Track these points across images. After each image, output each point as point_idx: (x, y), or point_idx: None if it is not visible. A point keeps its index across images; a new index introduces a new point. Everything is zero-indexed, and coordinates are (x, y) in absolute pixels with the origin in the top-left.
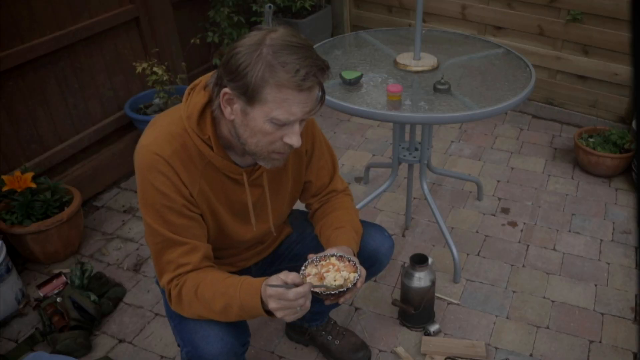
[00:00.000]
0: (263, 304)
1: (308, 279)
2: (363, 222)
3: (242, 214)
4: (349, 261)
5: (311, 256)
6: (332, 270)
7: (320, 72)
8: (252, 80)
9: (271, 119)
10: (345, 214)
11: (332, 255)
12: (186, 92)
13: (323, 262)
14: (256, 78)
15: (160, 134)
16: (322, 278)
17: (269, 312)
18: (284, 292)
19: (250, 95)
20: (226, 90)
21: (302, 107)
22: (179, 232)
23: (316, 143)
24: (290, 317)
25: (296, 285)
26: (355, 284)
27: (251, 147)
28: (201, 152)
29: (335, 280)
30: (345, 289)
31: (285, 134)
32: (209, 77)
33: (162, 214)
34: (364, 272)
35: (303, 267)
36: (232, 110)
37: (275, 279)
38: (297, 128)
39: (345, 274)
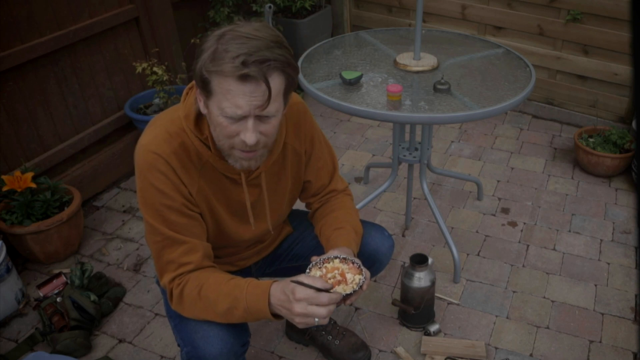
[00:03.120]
0: (269, 306)
1: None
2: (363, 222)
3: (241, 213)
4: (353, 263)
5: (314, 258)
6: (339, 275)
7: (264, 64)
8: (201, 71)
9: (222, 112)
10: (345, 214)
11: (336, 258)
12: (184, 92)
13: (327, 265)
14: (203, 69)
15: (159, 133)
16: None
17: (275, 315)
18: (317, 296)
19: (203, 87)
20: (194, 83)
21: (248, 99)
22: (178, 231)
23: (315, 143)
24: (304, 325)
25: (324, 290)
26: (361, 287)
27: (216, 141)
28: (199, 152)
29: (344, 291)
30: (352, 291)
31: (240, 130)
32: None
33: (161, 213)
34: (368, 273)
35: (307, 270)
36: (203, 104)
37: (302, 280)
38: (250, 124)
39: (350, 276)
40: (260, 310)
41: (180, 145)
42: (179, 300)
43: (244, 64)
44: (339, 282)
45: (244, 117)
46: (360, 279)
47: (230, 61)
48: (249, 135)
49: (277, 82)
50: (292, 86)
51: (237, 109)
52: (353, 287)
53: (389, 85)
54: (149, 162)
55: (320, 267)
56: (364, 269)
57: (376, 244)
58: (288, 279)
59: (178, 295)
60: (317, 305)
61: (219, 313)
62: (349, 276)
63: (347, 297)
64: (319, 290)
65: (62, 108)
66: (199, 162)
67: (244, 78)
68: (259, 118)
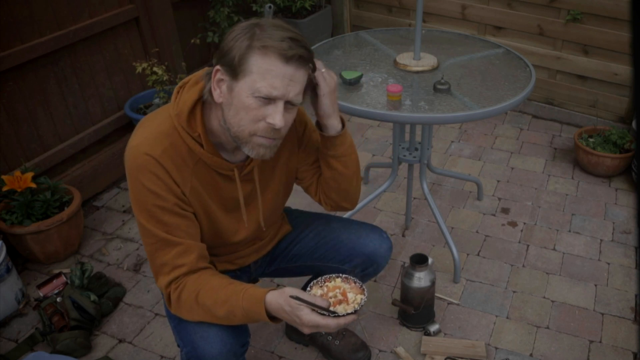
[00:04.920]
0: (267, 312)
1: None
2: (361, 224)
3: (235, 209)
4: (355, 282)
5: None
6: (340, 295)
7: (305, 52)
8: (239, 50)
9: (254, 92)
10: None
11: (338, 277)
12: (175, 90)
13: (328, 284)
14: (242, 47)
15: (150, 133)
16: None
17: (273, 318)
18: (327, 324)
19: (236, 66)
20: (217, 67)
21: (286, 82)
22: (172, 232)
23: (308, 125)
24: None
25: (326, 309)
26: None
27: (234, 128)
28: (191, 150)
29: (345, 310)
30: (353, 310)
31: (268, 113)
32: (198, 75)
33: (154, 214)
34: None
35: (308, 288)
36: (220, 91)
37: (302, 296)
38: (280, 107)
39: (351, 295)
40: (258, 316)
41: (172, 145)
42: (177, 304)
43: (292, 46)
44: (340, 302)
45: (274, 100)
46: (362, 299)
47: (279, 40)
48: (278, 117)
49: (306, 73)
50: (307, 91)
51: (272, 89)
52: (354, 306)
53: (389, 85)
54: (140, 164)
55: (321, 286)
56: (365, 289)
57: (374, 246)
58: (284, 290)
59: (176, 300)
60: (325, 329)
61: (219, 317)
62: (350, 295)
63: (348, 315)
64: (319, 307)
65: (62, 108)
66: (191, 160)
67: (288, 60)
68: (285, 106)
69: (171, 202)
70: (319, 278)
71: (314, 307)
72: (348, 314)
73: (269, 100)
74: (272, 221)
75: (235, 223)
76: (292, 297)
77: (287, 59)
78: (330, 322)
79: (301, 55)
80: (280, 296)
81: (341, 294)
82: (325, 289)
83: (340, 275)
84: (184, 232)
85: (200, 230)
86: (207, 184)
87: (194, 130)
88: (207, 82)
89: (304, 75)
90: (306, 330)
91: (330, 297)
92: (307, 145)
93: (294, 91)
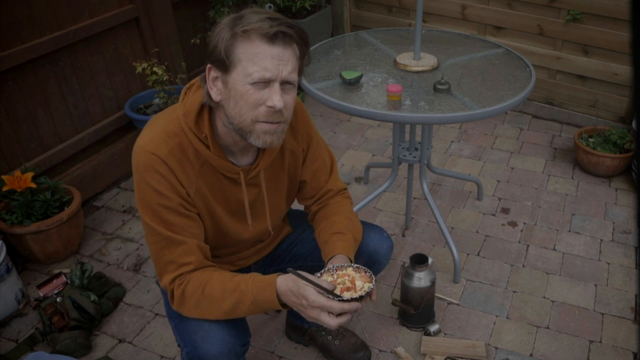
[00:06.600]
0: (278, 297)
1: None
2: (362, 223)
3: (240, 212)
4: (365, 272)
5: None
6: (348, 282)
7: (289, 28)
8: (224, 43)
9: (248, 79)
10: (344, 218)
11: (349, 266)
12: (183, 91)
13: (339, 272)
14: (226, 38)
15: (157, 133)
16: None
17: (283, 304)
18: (332, 306)
19: (224, 59)
20: (209, 66)
21: (276, 62)
22: (177, 231)
23: (312, 143)
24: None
25: (331, 292)
26: (369, 294)
27: (236, 120)
28: (198, 152)
29: (351, 296)
30: (358, 296)
31: (266, 97)
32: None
33: (159, 213)
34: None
35: (318, 274)
36: (217, 89)
37: (305, 275)
38: (276, 88)
39: (359, 283)
40: (268, 301)
41: (178, 145)
42: (180, 300)
43: (273, 24)
44: (348, 289)
45: (269, 83)
46: (369, 287)
47: (259, 21)
48: (276, 97)
49: (297, 52)
50: (302, 69)
51: (265, 71)
52: (360, 293)
53: (389, 85)
54: (146, 163)
55: (332, 274)
56: (374, 279)
57: (375, 245)
58: (291, 276)
59: (180, 296)
60: (329, 312)
61: (224, 310)
62: (358, 283)
63: (353, 301)
64: (322, 289)
65: (62, 108)
66: (197, 161)
67: (272, 39)
68: (283, 87)
69: (176, 202)
70: (331, 266)
71: (317, 288)
72: (353, 299)
73: (265, 84)
74: (278, 225)
75: (239, 225)
76: (291, 271)
77: (271, 38)
78: (334, 305)
79: (284, 32)
80: (289, 278)
81: (350, 282)
82: (336, 276)
83: (352, 264)
84: (188, 232)
85: (204, 231)
86: (212, 186)
87: (201, 131)
88: (204, 85)
89: (293, 53)
90: (310, 313)
91: (339, 284)
92: (308, 160)
93: (287, 70)
